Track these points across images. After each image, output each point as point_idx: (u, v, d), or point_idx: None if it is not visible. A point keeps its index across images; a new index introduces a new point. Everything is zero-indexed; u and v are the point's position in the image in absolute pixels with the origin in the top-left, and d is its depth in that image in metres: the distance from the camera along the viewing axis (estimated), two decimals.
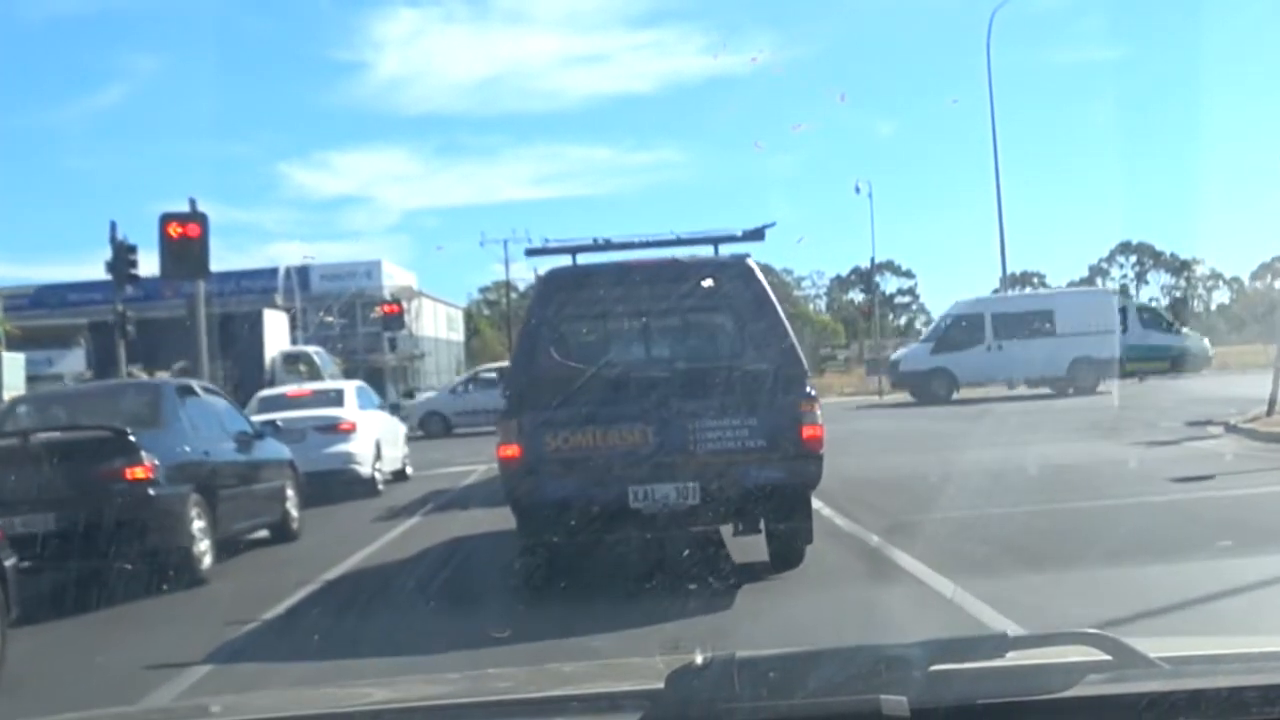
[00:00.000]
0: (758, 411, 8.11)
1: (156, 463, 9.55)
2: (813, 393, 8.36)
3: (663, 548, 8.67)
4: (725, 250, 8.82)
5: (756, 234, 8.81)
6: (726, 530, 9.08)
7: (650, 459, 8.03)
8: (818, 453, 8.16)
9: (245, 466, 11.55)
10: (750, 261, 8.58)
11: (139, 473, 9.40)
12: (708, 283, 8.54)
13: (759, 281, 8.47)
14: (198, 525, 9.95)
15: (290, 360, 34.51)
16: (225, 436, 11.39)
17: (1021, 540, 9.23)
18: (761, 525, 8.57)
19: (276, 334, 37.42)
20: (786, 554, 8.57)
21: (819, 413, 8.22)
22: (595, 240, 8.91)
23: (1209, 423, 18.67)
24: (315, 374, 31.26)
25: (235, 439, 11.61)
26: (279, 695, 2.67)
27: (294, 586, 9.19)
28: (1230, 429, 17.60)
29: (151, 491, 9.46)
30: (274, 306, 40.77)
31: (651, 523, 8.15)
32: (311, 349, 36.24)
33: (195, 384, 11.69)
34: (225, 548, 10.83)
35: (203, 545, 9.99)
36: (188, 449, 10.36)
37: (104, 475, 9.32)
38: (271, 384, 27.06)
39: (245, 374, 30.03)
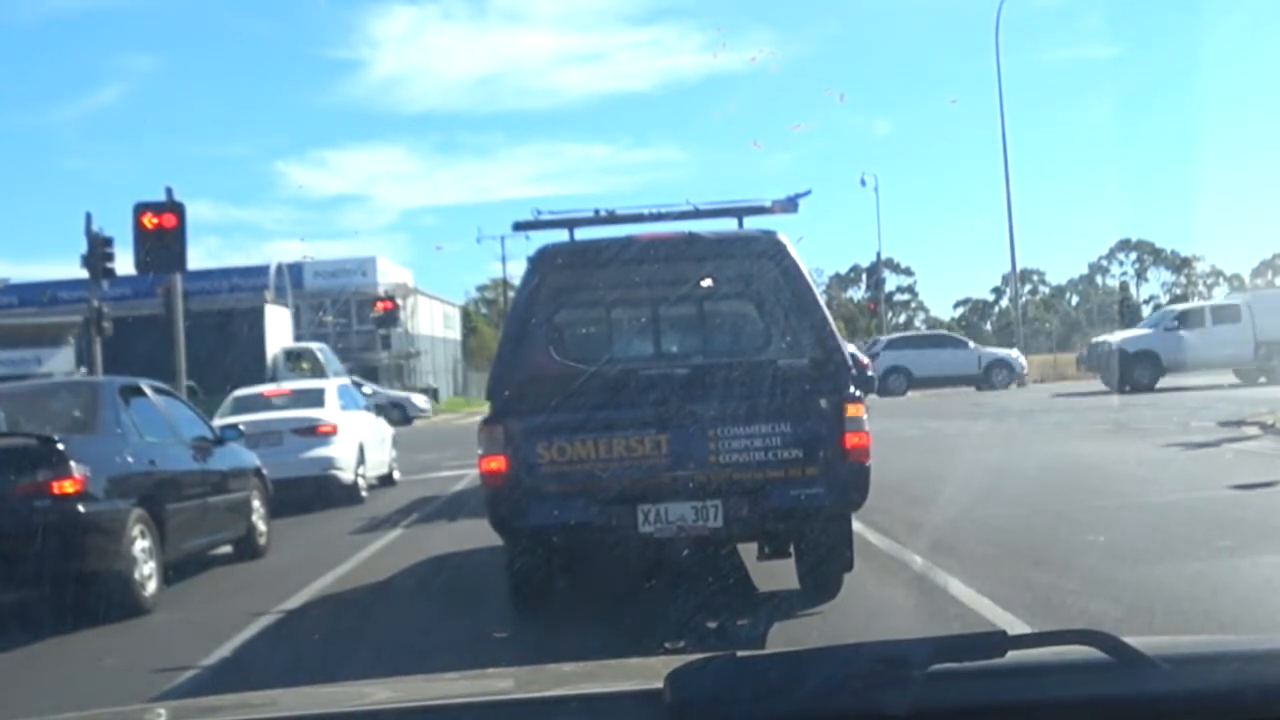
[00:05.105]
0: (792, 416, 6.77)
1: (89, 474, 8.22)
2: (857, 393, 6.96)
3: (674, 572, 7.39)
4: (751, 224, 7.48)
5: (789, 204, 7.45)
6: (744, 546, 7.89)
7: (663, 473, 6.73)
8: (863, 465, 6.83)
9: (202, 476, 10.24)
10: (781, 236, 7.17)
11: (68, 486, 8.05)
12: (729, 262, 7.24)
13: (792, 259, 7.04)
14: (140, 546, 8.61)
15: (292, 357, 33.65)
16: (178, 442, 10.08)
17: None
18: (792, 549, 7.35)
19: (279, 330, 36.58)
20: (821, 582, 7.30)
21: (865, 417, 6.86)
22: (596, 212, 7.50)
23: (1242, 423, 17.91)
24: (319, 371, 30.71)
25: (191, 445, 10.32)
26: (279, 695, 2.53)
27: (247, 619, 7.91)
28: (1267, 429, 16.84)
29: (82, 508, 8.12)
30: (267, 303, 39.88)
31: (665, 549, 6.84)
32: (315, 345, 35.37)
33: (144, 383, 10.34)
34: (181, 569, 9.70)
35: (146, 569, 8.65)
36: (129, 458, 9.01)
37: (26, 490, 7.99)
38: (274, 382, 26.15)
39: (245, 372, 29.05)
